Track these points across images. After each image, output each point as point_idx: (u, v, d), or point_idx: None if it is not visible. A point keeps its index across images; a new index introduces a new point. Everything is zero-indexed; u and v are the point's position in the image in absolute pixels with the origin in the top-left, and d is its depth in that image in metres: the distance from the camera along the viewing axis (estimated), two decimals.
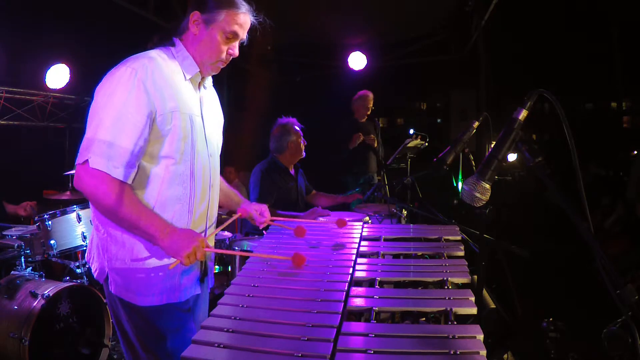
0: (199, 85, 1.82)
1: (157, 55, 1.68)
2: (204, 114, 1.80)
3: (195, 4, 1.72)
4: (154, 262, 1.67)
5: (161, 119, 1.62)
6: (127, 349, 1.74)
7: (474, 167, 2.36)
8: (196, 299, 1.87)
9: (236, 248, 2.90)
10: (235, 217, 2.10)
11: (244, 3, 1.73)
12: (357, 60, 6.66)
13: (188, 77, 1.74)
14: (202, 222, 1.80)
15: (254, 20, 1.78)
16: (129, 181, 1.58)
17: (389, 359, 1.10)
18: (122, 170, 1.55)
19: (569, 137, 1.30)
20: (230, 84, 6.87)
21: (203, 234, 1.81)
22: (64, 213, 3.37)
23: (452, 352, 1.09)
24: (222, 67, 1.80)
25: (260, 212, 2.14)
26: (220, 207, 2.01)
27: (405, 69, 7.90)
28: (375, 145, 5.18)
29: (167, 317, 1.69)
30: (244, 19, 1.73)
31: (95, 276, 1.75)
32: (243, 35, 1.76)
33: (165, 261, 1.68)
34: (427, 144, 4.80)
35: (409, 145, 4.69)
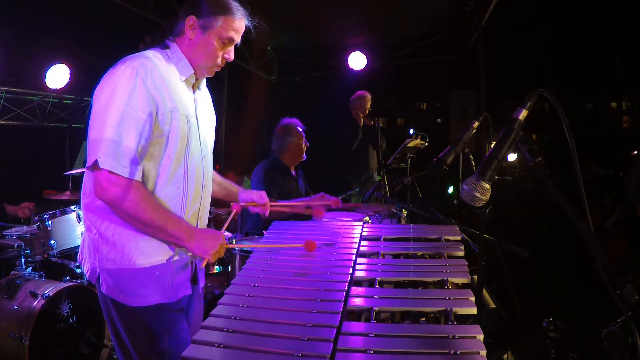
0: (194, 86, 1.83)
1: (153, 56, 1.68)
2: (198, 115, 1.82)
3: (191, 8, 1.72)
4: (144, 262, 1.67)
5: (162, 119, 1.63)
6: (119, 349, 1.75)
7: (474, 167, 2.35)
8: (190, 299, 1.87)
9: (236, 248, 2.90)
10: (232, 215, 2.10)
11: (240, 8, 1.74)
12: (357, 60, 6.66)
13: (183, 78, 1.75)
14: (193, 223, 1.81)
15: (249, 24, 1.80)
16: (140, 179, 1.59)
17: (389, 358, 1.10)
18: (130, 169, 1.56)
19: (569, 137, 1.30)
20: (230, 84, 6.88)
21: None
22: (64, 213, 3.37)
23: (452, 352, 1.08)
24: (217, 70, 1.81)
25: (260, 195, 2.19)
26: (219, 200, 2.03)
27: (405, 69, 7.92)
28: (372, 122, 5.14)
29: (159, 317, 1.69)
30: (240, 24, 1.75)
31: (87, 276, 1.76)
32: (238, 39, 1.78)
33: (155, 261, 1.68)
34: (427, 144, 4.80)
35: (409, 145, 4.69)
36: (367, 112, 5.21)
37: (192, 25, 1.71)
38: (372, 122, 5.12)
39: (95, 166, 1.54)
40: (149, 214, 1.59)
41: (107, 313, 1.74)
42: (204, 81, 1.90)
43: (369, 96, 5.28)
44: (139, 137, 1.57)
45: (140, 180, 1.60)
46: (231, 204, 2.20)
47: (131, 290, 1.67)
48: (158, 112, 1.62)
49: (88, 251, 1.74)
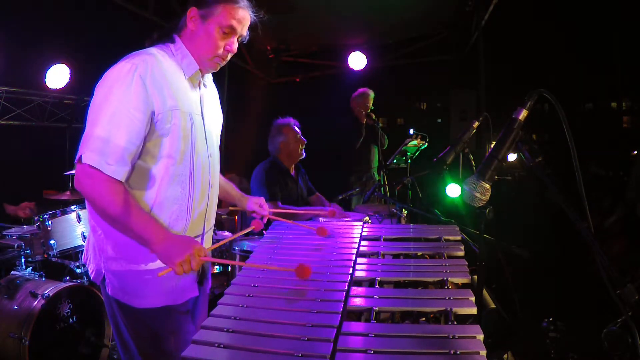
0: (199, 83, 1.80)
1: (157, 53, 1.66)
2: (204, 112, 1.78)
3: (193, 0, 1.70)
4: (150, 264, 1.64)
5: (161, 117, 1.60)
6: (123, 351, 1.73)
7: (474, 167, 2.36)
8: (195, 301, 1.85)
9: (236, 248, 2.90)
10: (249, 229, 2.05)
11: None
12: (357, 60, 6.65)
13: (187, 75, 1.72)
14: (200, 223, 1.78)
15: (254, 17, 1.75)
16: (123, 180, 1.55)
17: (389, 359, 1.10)
18: (115, 168, 1.52)
19: (569, 137, 1.30)
20: (230, 84, 6.88)
21: (201, 239, 1.79)
22: (64, 213, 3.37)
23: (452, 352, 1.09)
24: (220, 63, 1.76)
25: (259, 204, 2.16)
26: (219, 200, 2.01)
27: (405, 69, 7.89)
28: (372, 120, 5.04)
29: (165, 319, 1.68)
30: (242, 14, 1.69)
31: (92, 277, 1.74)
32: (242, 31, 1.72)
33: (161, 263, 1.64)
34: (427, 144, 4.79)
35: (409, 145, 4.69)
36: (370, 109, 5.18)
37: (193, 16, 1.68)
38: (372, 121, 5.09)
39: (79, 160, 1.52)
40: (115, 210, 1.50)
41: (112, 314, 1.73)
42: (210, 77, 1.87)
43: (371, 93, 5.24)
44: (130, 136, 1.53)
45: (124, 180, 1.55)
46: (252, 221, 2.11)
47: (136, 292, 1.65)
48: (156, 110, 1.59)
49: (93, 252, 1.72)
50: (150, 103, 1.58)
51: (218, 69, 1.79)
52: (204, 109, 1.79)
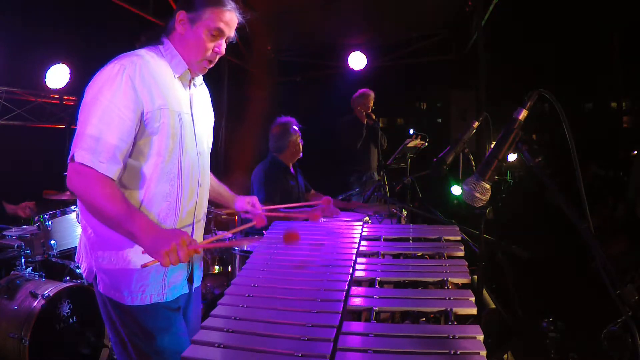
0: (189, 83, 1.82)
1: (145, 54, 1.69)
2: (194, 112, 1.81)
3: (181, 3, 1.73)
4: (140, 261, 1.64)
5: (150, 116, 1.63)
6: (118, 347, 1.75)
7: (474, 167, 2.36)
8: (187, 298, 1.87)
9: (236, 249, 2.90)
10: (250, 224, 2.05)
11: (229, 1, 1.73)
12: (357, 60, 6.65)
13: (177, 75, 1.75)
14: (189, 221, 1.80)
15: (241, 19, 1.78)
16: (115, 177, 1.57)
17: (389, 358, 1.10)
18: (107, 166, 1.54)
19: (569, 137, 1.30)
20: (230, 84, 6.87)
21: (191, 231, 1.80)
22: (64, 213, 3.37)
23: (452, 352, 1.08)
24: (208, 67, 1.79)
25: (252, 203, 2.17)
26: (214, 203, 2.00)
27: (405, 69, 7.89)
28: (372, 120, 5.00)
29: (156, 316, 1.70)
30: (230, 17, 1.73)
31: (84, 276, 1.76)
32: (229, 32, 1.75)
33: (150, 259, 1.66)
34: (427, 144, 4.79)
35: (409, 145, 4.68)
36: (370, 110, 5.17)
37: (182, 19, 1.71)
38: (372, 122, 5.08)
39: (71, 159, 1.54)
40: (105, 206, 1.52)
41: (105, 312, 1.75)
42: (200, 77, 1.89)
43: (372, 94, 5.24)
44: (121, 135, 1.57)
45: (115, 178, 1.58)
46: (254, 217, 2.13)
47: (127, 289, 1.67)
48: (146, 109, 1.62)
49: (85, 251, 1.74)
50: (139, 102, 1.61)
51: (206, 71, 1.82)
52: (193, 109, 1.81)
